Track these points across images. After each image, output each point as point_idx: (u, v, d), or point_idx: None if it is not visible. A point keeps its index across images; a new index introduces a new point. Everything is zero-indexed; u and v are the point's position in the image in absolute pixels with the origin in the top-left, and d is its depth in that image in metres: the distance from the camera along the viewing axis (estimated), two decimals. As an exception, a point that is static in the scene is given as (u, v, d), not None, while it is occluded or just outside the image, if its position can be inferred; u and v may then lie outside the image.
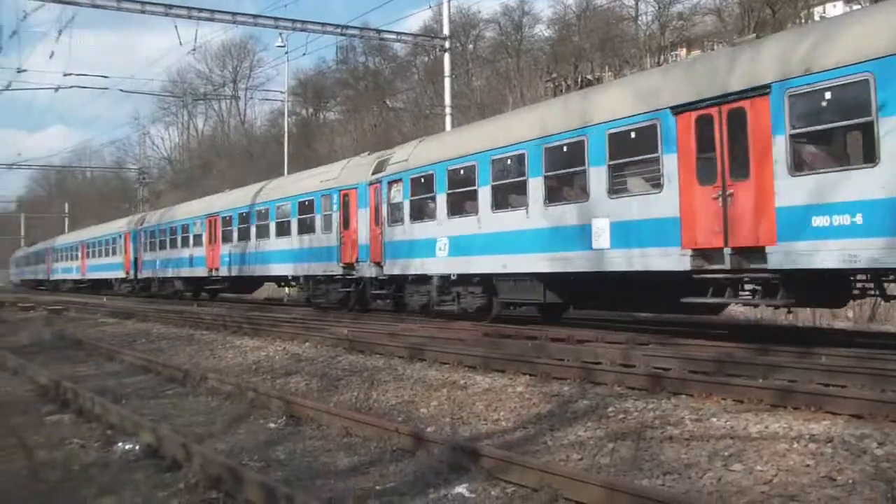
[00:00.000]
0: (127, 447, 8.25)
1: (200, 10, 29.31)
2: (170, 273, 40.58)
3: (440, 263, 20.02)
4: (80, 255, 59.15)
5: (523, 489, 6.31)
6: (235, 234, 33.04)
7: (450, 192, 19.73)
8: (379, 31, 36.48)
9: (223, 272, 34.25)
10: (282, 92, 54.46)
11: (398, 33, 37.47)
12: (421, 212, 21.05)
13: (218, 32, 50.60)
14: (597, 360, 12.03)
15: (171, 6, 28.72)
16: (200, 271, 36.49)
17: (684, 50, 55.53)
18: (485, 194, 18.23)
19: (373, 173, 23.38)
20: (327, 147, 60.20)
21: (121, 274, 48.62)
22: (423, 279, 21.11)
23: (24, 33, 77.30)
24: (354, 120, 65.11)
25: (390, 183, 22.31)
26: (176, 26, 33.17)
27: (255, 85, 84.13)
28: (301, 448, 8.22)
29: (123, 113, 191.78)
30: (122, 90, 45.81)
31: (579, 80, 55.64)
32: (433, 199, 20.33)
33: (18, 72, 33.98)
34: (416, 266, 21.01)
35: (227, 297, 38.73)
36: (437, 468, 7.02)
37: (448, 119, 33.00)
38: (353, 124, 64.41)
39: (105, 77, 66.24)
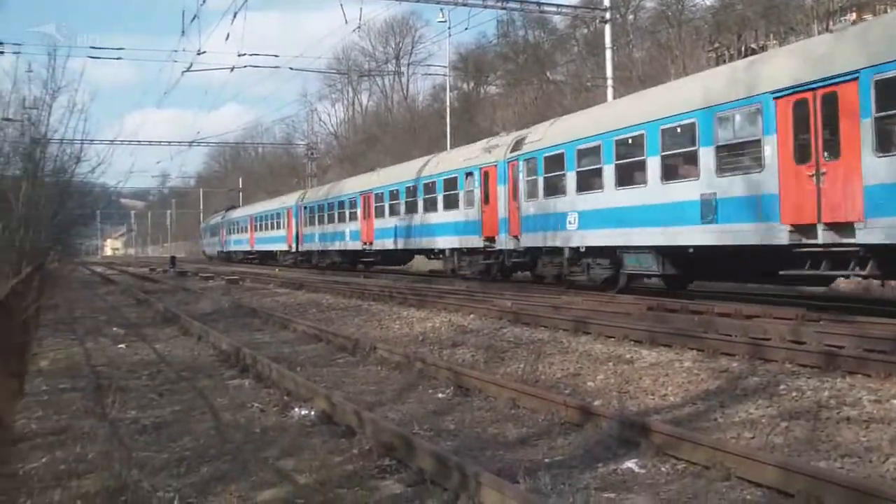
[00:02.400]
0: (303, 413, 8.62)
1: (365, -12, 29.86)
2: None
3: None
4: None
5: (694, 466, 6.23)
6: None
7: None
8: (539, 4, 36.20)
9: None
10: (443, 67, 54.99)
11: (558, 6, 37.06)
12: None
13: (381, 10, 51.44)
14: (766, 335, 11.68)
15: (337, -15, 29.32)
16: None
17: (854, 15, 52.50)
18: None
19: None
20: (488, 121, 60.26)
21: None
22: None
23: (203, 17, 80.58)
24: (515, 94, 64.91)
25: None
26: (342, 5, 33.89)
27: (417, 60, 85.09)
28: (469, 418, 8.35)
29: (292, 91, 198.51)
30: (291, 68, 46.96)
31: (743, 49, 53.58)
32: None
33: (198, 54, 35.63)
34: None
35: (386, 269, 39.66)
36: (605, 442, 7.02)
37: (609, 91, 32.49)
38: (514, 98, 64.22)
39: (276, 56, 68.33)
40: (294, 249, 50.02)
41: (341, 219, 41.24)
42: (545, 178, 22.63)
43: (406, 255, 37.21)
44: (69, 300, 25.51)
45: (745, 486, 5.75)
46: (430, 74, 76.69)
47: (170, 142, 67.85)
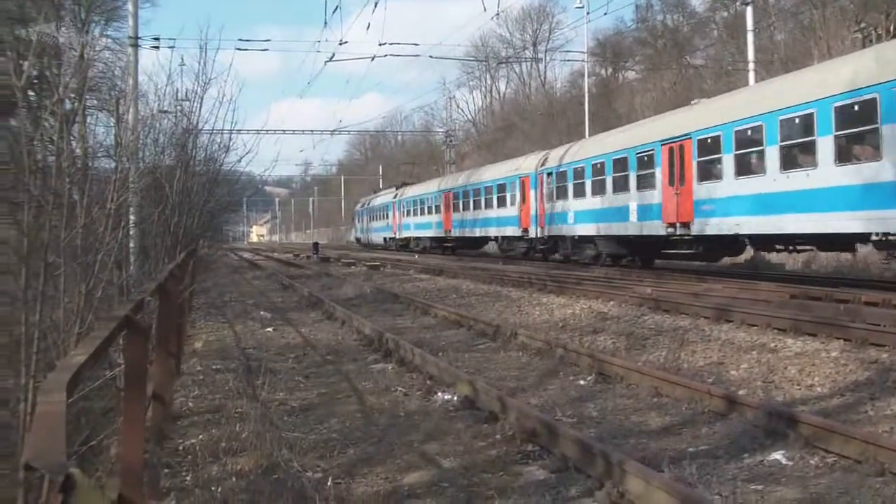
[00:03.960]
0: (446, 397, 8.74)
1: (504, -25, 29.80)
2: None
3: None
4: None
5: (845, 460, 6.03)
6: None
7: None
8: (679, -13, 35.32)
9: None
10: (581, 53, 54.34)
11: (699, -12, 36.09)
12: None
13: (519, -3, 51.42)
14: (917, 326, 11.14)
15: (476, -28, 29.44)
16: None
17: None
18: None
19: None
20: (627, 106, 59.40)
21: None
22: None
23: (344, 8, 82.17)
24: (654, 79, 63.62)
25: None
26: (481, -8, 33.90)
27: (554, 47, 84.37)
28: (612, 406, 8.31)
29: (431, 79, 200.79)
30: (430, 57, 47.40)
31: (891, 28, 50.94)
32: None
33: (340, 44, 36.28)
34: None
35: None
36: (751, 433, 6.86)
37: (751, 75, 31.50)
38: (653, 83, 62.97)
39: (415, 45, 69.00)
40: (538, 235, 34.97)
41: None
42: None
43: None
44: (219, 284, 26.57)
45: (902, 483, 5.53)
46: (567, 61, 76.17)
47: (312, 130, 69.43)
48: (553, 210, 31.29)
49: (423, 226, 51.55)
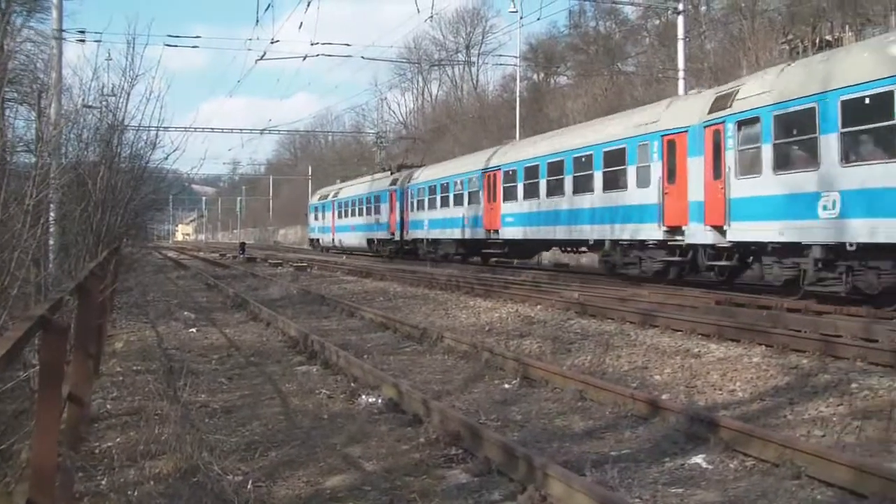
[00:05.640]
0: (370, 400, 8.68)
1: (438, -24, 29.81)
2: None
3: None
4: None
5: (763, 463, 6.15)
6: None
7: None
8: (611, -5, 35.76)
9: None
10: (514, 57, 54.80)
11: (631, -4, 36.48)
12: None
13: (453, 0, 51.45)
14: (836, 332, 11.41)
15: (410, -26, 29.37)
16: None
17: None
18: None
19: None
20: (558, 111, 59.87)
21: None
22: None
23: (277, 6, 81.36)
24: (585, 84, 64.27)
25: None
26: (414, -6, 33.83)
27: (487, 51, 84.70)
28: (536, 409, 8.34)
29: (363, 80, 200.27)
30: (363, 57, 47.27)
31: (817, 41, 52.35)
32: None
33: (272, 43, 35.71)
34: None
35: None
36: (673, 437, 6.96)
37: (681, 83, 32.00)
38: (584, 89, 63.59)
39: (348, 45, 68.43)
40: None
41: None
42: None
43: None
44: (142, 284, 26.05)
45: (816, 486, 5.66)
46: (500, 65, 76.70)
47: (241, 129, 68.26)
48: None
49: (449, 223, 35.81)
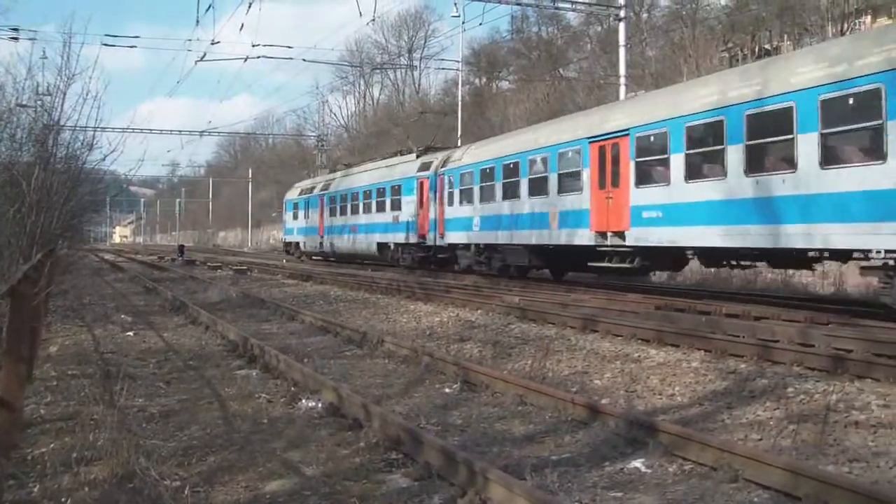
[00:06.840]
0: (310, 405, 8.63)
1: (380, -20, 29.79)
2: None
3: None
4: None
5: (701, 467, 6.23)
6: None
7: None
8: (554, 1, 36.09)
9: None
10: (456, 61, 54.96)
11: (573, 2, 36.68)
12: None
13: (395, 3, 51.43)
14: (774, 337, 11.62)
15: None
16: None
17: (869, 17, 52.13)
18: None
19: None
20: (500, 116, 60.20)
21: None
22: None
23: (218, 7, 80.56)
24: (527, 90, 64.74)
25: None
26: (356, -3, 33.76)
27: (429, 55, 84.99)
28: (476, 414, 8.36)
29: (304, 82, 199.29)
30: (304, 60, 46.90)
31: (756, 49, 53.35)
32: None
33: (212, 44, 35.56)
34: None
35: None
36: (612, 441, 7.02)
37: (622, 89, 32.40)
38: (526, 94, 64.04)
39: (289, 48, 67.99)
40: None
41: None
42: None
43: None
44: (78, 287, 25.55)
45: (752, 488, 5.75)
46: (442, 69, 76.72)
47: (181, 131, 67.70)
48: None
49: (518, 221, 24.48)
